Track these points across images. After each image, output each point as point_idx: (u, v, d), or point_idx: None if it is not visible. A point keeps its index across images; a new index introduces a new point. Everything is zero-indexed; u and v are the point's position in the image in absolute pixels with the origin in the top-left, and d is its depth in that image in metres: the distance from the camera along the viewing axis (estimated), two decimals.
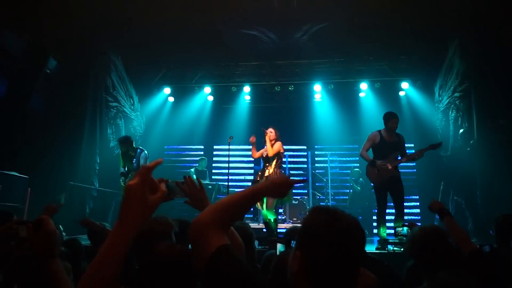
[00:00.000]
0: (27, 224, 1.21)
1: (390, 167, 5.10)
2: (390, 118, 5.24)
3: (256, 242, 5.08)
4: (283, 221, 7.53)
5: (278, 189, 1.23)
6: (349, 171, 8.86)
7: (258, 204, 5.23)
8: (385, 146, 5.21)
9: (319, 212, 1.01)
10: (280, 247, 2.21)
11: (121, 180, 6.19)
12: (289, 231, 2.65)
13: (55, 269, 1.20)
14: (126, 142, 6.08)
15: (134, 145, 6.18)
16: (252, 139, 5.44)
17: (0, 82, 5.91)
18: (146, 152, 6.11)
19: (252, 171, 9.40)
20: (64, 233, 2.98)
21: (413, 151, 5.49)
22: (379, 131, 5.33)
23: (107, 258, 0.82)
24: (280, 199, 5.07)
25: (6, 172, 5.53)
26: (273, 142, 5.34)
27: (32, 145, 6.33)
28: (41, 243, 1.17)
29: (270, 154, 5.27)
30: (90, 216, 6.86)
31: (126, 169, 6.17)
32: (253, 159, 9.41)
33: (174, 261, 1.31)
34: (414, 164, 8.82)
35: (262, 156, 5.47)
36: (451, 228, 2.08)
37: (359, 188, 8.32)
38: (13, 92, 6.05)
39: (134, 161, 6.02)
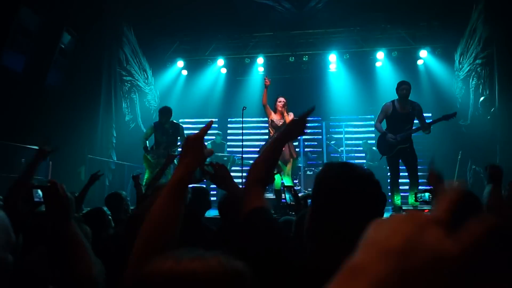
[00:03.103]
0: (40, 188, 1.26)
1: (398, 139, 5.01)
2: (398, 86, 5.13)
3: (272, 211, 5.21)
4: (298, 192, 7.59)
5: (295, 129, 1.35)
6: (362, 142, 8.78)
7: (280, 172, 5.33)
8: (398, 117, 5.09)
9: (328, 166, 1.02)
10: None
11: (149, 157, 6.01)
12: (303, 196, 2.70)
13: (70, 231, 1.24)
14: (168, 112, 5.93)
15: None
16: (267, 81, 5.39)
17: (18, 58, 6.00)
18: (181, 124, 6.14)
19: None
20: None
21: (431, 120, 5.35)
22: (393, 101, 5.20)
23: (171, 192, 0.94)
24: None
25: (29, 146, 5.73)
26: (284, 110, 5.35)
27: (51, 120, 6.48)
28: (54, 206, 1.22)
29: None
30: (109, 188, 7.07)
31: (147, 140, 6.09)
32: (267, 131, 9.40)
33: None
34: (432, 133, 8.65)
35: (272, 125, 5.46)
36: (496, 192, 2.09)
37: (373, 162, 8.26)
38: (31, 68, 6.15)
39: (171, 133, 5.92)
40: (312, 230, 0.98)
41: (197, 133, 1.07)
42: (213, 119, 1.09)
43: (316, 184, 1.00)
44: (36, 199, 1.27)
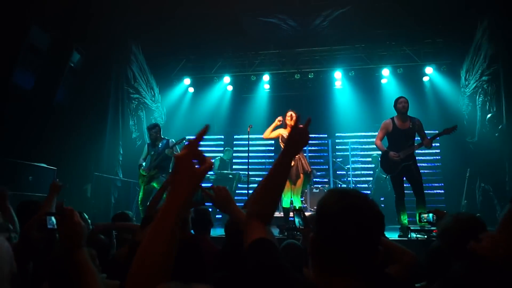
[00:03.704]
0: (54, 215, 1.26)
1: (402, 156, 4.95)
2: (396, 101, 5.12)
3: (277, 231, 5.13)
4: (305, 210, 7.53)
5: (299, 137, 1.24)
6: (370, 159, 8.72)
7: (288, 188, 5.15)
8: (399, 134, 5.04)
9: (330, 192, 1.04)
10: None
11: (141, 170, 6.27)
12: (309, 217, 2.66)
13: (81, 259, 1.23)
14: (155, 128, 6.29)
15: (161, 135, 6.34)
16: (279, 121, 5.33)
17: (28, 76, 6.10)
18: (172, 139, 6.29)
19: (272, 160, 9.40)
20: (89, 221, 3.07)
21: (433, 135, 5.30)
22: (392, 118, 5.16)
23: (161, 225, 0.86)
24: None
25: (36, 163, 5.76)
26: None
27: (59, 137, 6.54)
28: (67, 234, 1.21)
29: None
30: (115, 206, 7.07)
31: (145, 161, 6.32)
32: (273, 148, 9.35)
33: (182, 247, 1.30)
34: (439, 150, 8.60)
35: (283, 140, 5.37)
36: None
37: (384, 176, 8.20)
38: (40, 86, 6.24)
39: (161, 148, 6.16)
40: (314, 253, 1.02)
41: (185, 149, 0.91)
42: (209, 125, 0.96)
43: (318, 210, 1.03)
44: (49, 226, 1.26)
